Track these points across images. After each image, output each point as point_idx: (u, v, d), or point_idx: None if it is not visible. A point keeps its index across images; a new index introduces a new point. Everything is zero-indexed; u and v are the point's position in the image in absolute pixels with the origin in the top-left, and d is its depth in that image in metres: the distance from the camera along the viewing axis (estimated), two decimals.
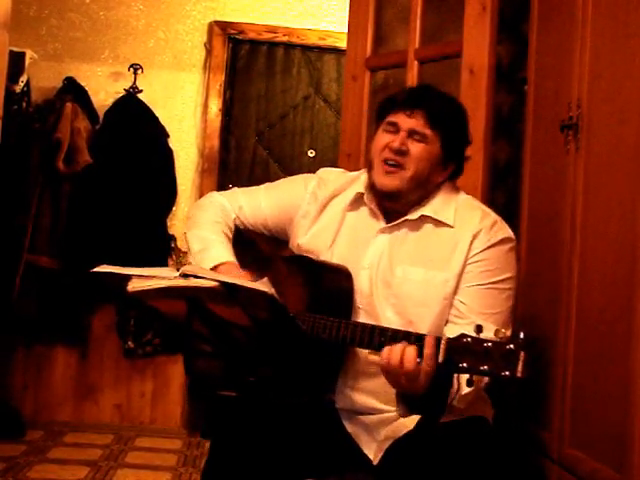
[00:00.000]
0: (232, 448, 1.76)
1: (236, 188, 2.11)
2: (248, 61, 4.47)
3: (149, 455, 3.75)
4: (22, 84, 4.01)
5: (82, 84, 4.18)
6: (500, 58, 2.53)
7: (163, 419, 4.26)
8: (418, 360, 1.52)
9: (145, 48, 4.36)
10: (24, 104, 4.04)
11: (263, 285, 1.61)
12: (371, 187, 1.87)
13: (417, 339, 1.55)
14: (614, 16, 1.86)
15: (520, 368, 1.38)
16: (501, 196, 2.56)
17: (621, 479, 1.66)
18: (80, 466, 3.45)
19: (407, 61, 2.64)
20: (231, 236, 1.98)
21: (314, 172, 2.08)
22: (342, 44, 3.50)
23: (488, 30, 2.41)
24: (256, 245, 2.04)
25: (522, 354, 1.39)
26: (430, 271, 1.79)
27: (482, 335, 1.45)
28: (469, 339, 1.46)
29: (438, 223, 1.84)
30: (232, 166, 4.44)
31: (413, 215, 1.85)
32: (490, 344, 1.43)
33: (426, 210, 1.85)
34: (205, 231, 1.96)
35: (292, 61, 4.49)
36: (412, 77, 2.61)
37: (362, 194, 1.91)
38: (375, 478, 1.76)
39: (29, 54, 4.05)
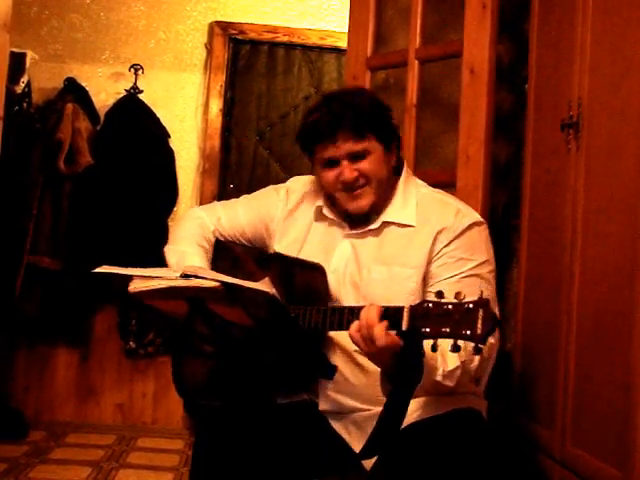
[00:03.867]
0: (215, 451, 1.75)
1: (216, 202, 2.17)
2: (249, 61, 4.47)
3: (151, 455, 3.75)
4: (23, 85, 4.00)
5: (83, 85, 4.18)
6: (500, 57, 2.53)
7: (165, 419, 4.26)
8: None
9: (146, 49, 4.36)
10: (25, 105, 4.03)
11: (264, 285, 1.62)
12: (344, 213, 1.88)
13: (382, 309, 1.55)
14: (614, 15, 1.87)
15: (480, 325, 1.39)
16: (502, 195, 2.56)
17: (623, 477, 1.66)
18: (82, 467, 3.45)
19: (408, 61, 2.63)
20: (209, 248, 2.02)
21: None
22: (343, 44, 3.50)
23: (488, 29, 2.41)
24: (232, 251, 2.06)
25: (481, 311, 1.39)
26: (393, 268, 1.81)
27: (443, 300, 1.46)
28: (430, 304, 1.46)
29: (400, 225, 1.85)
30: (233, 166, 4.45)
31: (375, 224, 1.86)
32: (450, 306, 1.43)
33: (387, 216, 1.86)
34: (180, 245, 2.00)
35: (293, 61, 4.49)
36: (413, 77, 2.61)
37: (321, 207, 1.93)
38: (366, 474, 1.76)
39: (30, 55, 4.05)
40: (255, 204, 2.06)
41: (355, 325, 1.55)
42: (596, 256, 1.87)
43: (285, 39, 4.44)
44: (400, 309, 1.50)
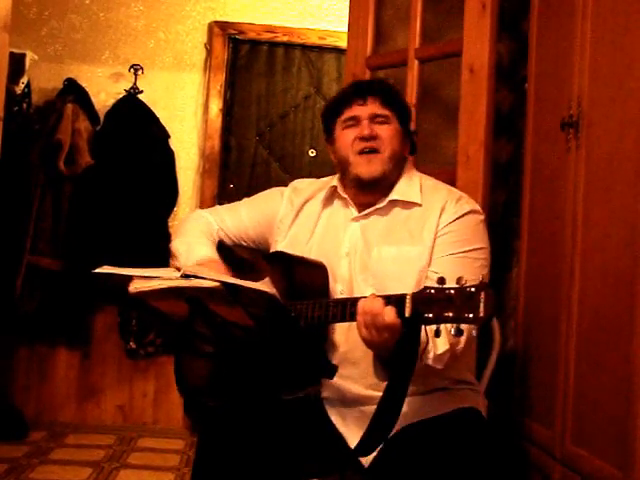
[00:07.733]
0: (218, 450, 1.76)
1: (218, 205, 2.24)
2: (248, 61, 4.47)
3: (152, 456, 3.75)
4: (23, 85, 4.01)
5: (83, 85, 4.18)
6: (500, 57, 2.53)
7: (165, 419, 4.26)
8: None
9: (145, 49, 4.36)
10: (25, 105, 4.04)
11: (264, 285, 1.62)
12: (356, 180, 1.92)
13: (385, 298, 1.57)
14: (614, 13, 1.87)
15: (482, 308, 1.41)
16: (502, 194, 2.56)
17: (623, 476, 1.67)
18: (83, 467, 3.45)
19: (407, 60, 2.64)
20: (215, 243, 2.07)
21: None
22: (342, 43, 3.50)
23: (488, 29, 2.41)
24: (234, 252, 2.11)
25: (482, 294, 1.41)
26: (404, 247, 1.86)
27: (445, 285, 1.48)
28: (432, 290, 1.48)
29: (406, 204, 1.91)
30: (233, 166, 4.44)
31: (382, 202, 1.92)
32: (452, 291, 1.45)
33: (393, 195, 1.92)
34: (189, 237, 2.07)
35: (292, 61, 4.49)
36: (412, 76, 2.61)
37: (335, 187, 2.00)
38: (365, 474, 1.76)
39: (29, 55, 4.06)
40: (258, 203, 2.12)
41: (360, 314, 1.57)
42: (596, 255, 1.87)
43: (285, 39, 4.44)
44: (402, 297, 1.53)
